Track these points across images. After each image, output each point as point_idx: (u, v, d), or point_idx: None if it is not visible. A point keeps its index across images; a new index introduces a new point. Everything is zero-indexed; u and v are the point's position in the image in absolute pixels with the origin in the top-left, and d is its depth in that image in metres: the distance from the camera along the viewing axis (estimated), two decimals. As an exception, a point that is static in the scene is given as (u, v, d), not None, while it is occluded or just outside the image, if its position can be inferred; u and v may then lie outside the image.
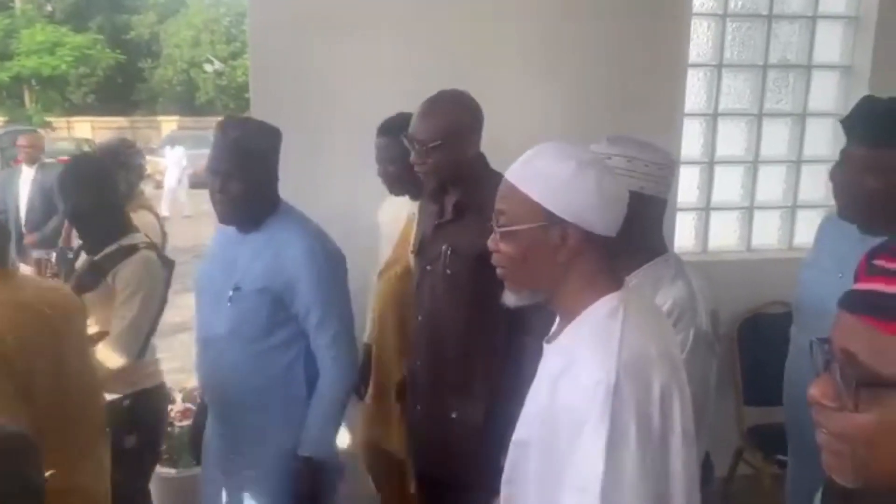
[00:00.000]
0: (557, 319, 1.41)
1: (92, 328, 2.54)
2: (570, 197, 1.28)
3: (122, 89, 33.64)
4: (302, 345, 2.21)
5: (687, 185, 3.57)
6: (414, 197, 2.66)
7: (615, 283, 1.33)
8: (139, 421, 2.68)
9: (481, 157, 2.22)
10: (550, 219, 1.28)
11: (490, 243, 1.38)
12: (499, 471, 1.47)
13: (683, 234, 3.63)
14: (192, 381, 5.52)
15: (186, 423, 3.76)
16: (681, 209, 3.55)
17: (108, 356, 2.54)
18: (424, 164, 2.15)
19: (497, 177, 2.21)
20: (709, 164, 3.57)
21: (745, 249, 3.68)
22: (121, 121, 31.00)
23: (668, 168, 1.88)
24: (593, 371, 1.21)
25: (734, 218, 3.69)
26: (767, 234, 3.72)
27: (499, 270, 1.38)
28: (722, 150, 3.59)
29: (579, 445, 1.20)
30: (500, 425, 2.17)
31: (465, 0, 3.10)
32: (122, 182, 3.28)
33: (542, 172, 1.30)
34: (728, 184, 3.65)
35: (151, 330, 2.71)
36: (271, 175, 2.22)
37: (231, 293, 2.15)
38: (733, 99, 3.57)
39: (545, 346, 1.40)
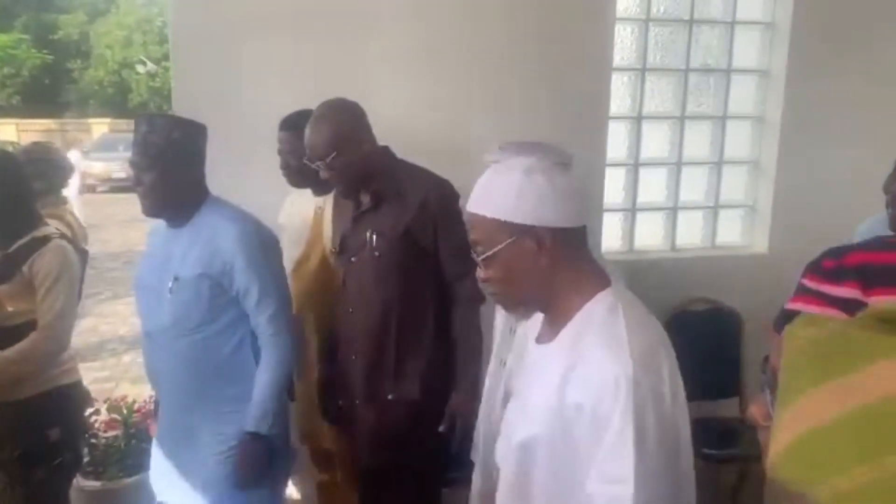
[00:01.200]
0: (543, 319, 1.45)
1: (12, 320, 2.60)
2: (527, 203, 1.34)
3: (49, 90, 32.56)
4: (247, 327, 2.27)
5: (613, 187, 3.64)
6: (316, 192, 2.75)
7: (603, 280, 1.39)
8: (60, 416, 2.69)
9: (385, 150, 2.37)
10: (519, 230, 1.34)
11: (479, 276, 1.43)
12: (438, 449, 1.53)
13: (610, 235, 3.69)
14: (120, 391, 5.40)
15: (112, 433, 3.68)
16: (607, 210, 3.61)
17: (41, 345, 2.59)
18: (330, 175, 2.29)
19: (406, 166, 2.33)
20: (634, 165, 3.64)
21: (669, 249, 3.76)
22: (49, 123, 29.98)
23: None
24: (609, 367, 1.25)
25: (659, 218, 3.77)
26: (691, 233, 3.81)
27: (494, 297, 1.45)
28: (646, 153, 3.66)
29: (605, 438, 1.24)
30: (435, 400, 2.26)
31: (381, 4, 3.11)
32: (41, 183, 3.21)
33: (495, 191, 1.37)
34: (653, 185, 3.73)
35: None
36: (193, 169, 2.27)
37: (171, 284, 2.21)
38: (657, 102, 3.65)
39: (537, 345, 1.45)
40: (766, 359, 0.89)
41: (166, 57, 30.48)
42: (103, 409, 3.83)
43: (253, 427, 2.21)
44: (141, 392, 4.83)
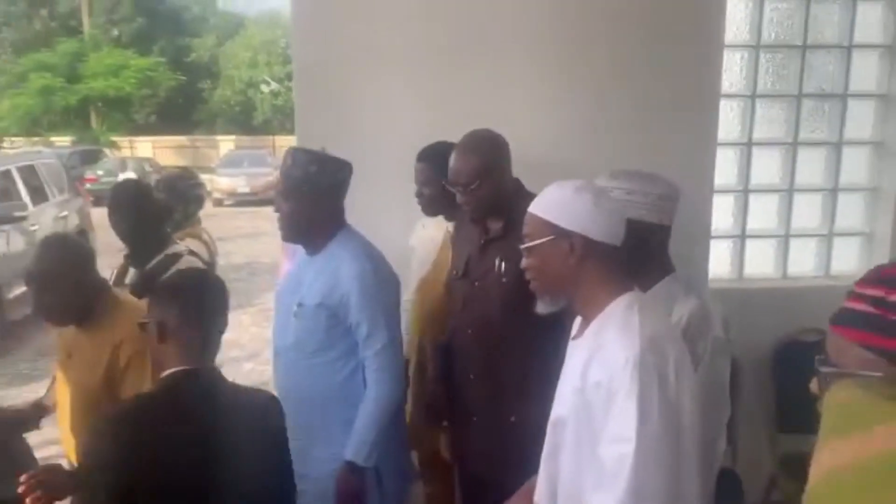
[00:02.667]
0: (580, 320, 1.72)
1: None
2: (571, 212, 1.62)
3: (182, 110, 34.70)
4: (360, 357, 2.40)
5: (721, 213, 3.61)
6: (448, 217, 2.85)
7: (626, 286, 1.64)
8: None
9: (517, 182, 2.44)
10: (558, 231, 1.62)
11: (522, 263, 1.73)
12: None
13: (719, 261, 3.66)
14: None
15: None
16: (715, 237, 3.58)
17: None
18: (469, 203, 2.38)
19: (532, 197, 2.40)
20: (743, 192, 3.60)
21: (781, 277, 3.69)
22: (181, 140, 31.98)
23: (667, 198, 2.07)
24: (620, 350, 1.50)
25: (770, 245, 3.70)
26: (804, 261, 3.72)
27: (531, 283, 1.72)
28: (757, 179, 3.62)
29: (614, 409, 1.49)
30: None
31: (503, 32, 3.20)
32: (180, 212, 3.56)
33: (549, 199, 1.68)
34: (763, 212, 3.67)
35: None
36: (327, 202, 2.42)
37: (296, 308, 2.39)
38: (768, 128, 3.60)
39: (571, 342, 1.73)
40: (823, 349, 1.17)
41: (289, 76, 31.83)
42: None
43: (350, 456, 2.34)
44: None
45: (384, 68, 3.19)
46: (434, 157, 2.74)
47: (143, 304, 2.59)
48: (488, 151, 2.35)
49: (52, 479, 1.92)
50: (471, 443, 2.51)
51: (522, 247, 1.69)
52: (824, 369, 1.18)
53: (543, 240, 1.64)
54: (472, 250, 2.45)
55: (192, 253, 3.20)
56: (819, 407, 1.15)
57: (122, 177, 13.85)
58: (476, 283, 2.42)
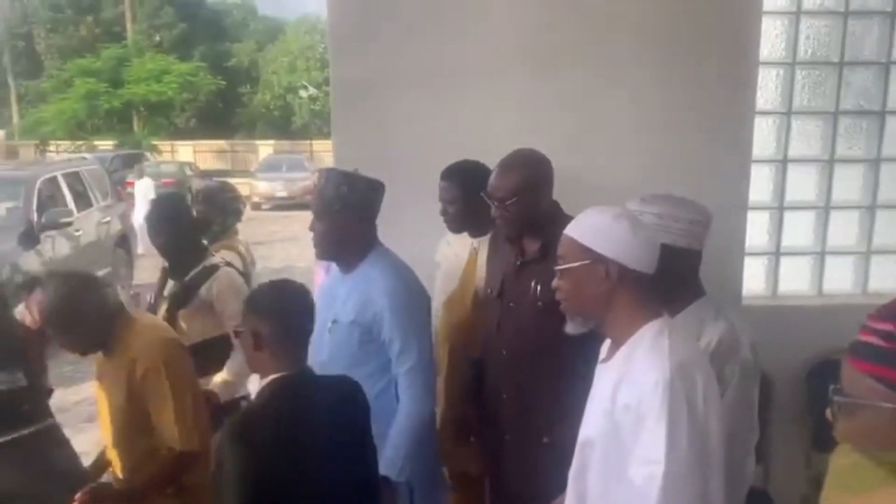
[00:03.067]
0: (608, 344, 1.76)
1: (194, 338, 3.06)
2: (609, 239, 1.65)
3: (222, 114, 35.26)
4: (393, 374, 2.46)
5: (756, 230, 3.59)
6: (473, 234, 2.89)
7: (657, 312, 1.68)
8: None
9: (555, 205, 2.46)
10: (594, 257, 1.66)
11: (553, 283, 1.76)
12: None
13: (753, 279, 3.64)
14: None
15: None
16: (750, 253, 3.57)
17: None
18: (503, 217, 2.39)
19: (570, 221, 2.42)
20: (778, 209, 3.58)
21: (816, 294, 3.66)
22: (221, 144, 32.48)
23: (698, 223, 2.07)
24: (650, 374, 1.54)
25: (805, 263, 3.68)
26: (840, 279, 3.69)
27: (562, 305, 1.76)
28: (792, 196, 3.59)
29: (643, 432, 1.53)
30: None
31: (536, 53, 3.24)
32: (218, 224, 3.66)
33: (588, 223, 1.71)
34: (799, 229, 3.64)
35: None
36: (363, 222, 2.49)
37: (330, 325, 2.46)
38: (804, 145, 3.57)
39: (600, 365, 1.77)
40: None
41: (327, 81, 32.08)
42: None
43: (384, 470, 2.37)
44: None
45: (420, 84, 3.24)
46: (459, 175, 2.79)
47: (155, 320, 2.72)
48: (528, 170, 2.38)
49: (103, 496, 2.04)
50: (503, 461, 2.53)
51: (557, 268, 1.73)
52: (837, 398, 1.25)
53: (578, 263, 1.68)
54: (507, 271, 2.47)
55: (228, 265, 3.29)
56: (835, 433, 1.27)
57: (138, 184, 13.93)
58: (511, 304, 2.44)
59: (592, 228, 1.68)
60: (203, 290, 3.12)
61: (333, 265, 2.67)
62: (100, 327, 2.38)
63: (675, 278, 1.98)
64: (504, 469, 2.55)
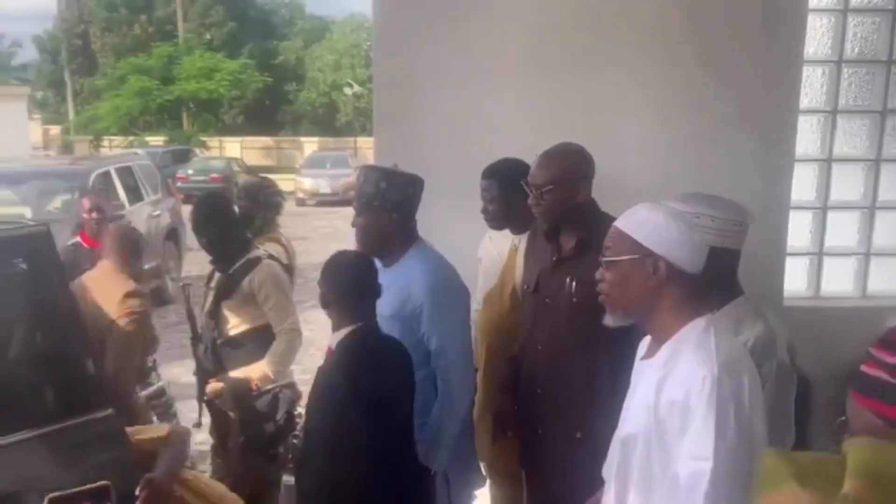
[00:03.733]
0: (649, 340, 1.76)
1: (238, 328, 3.24)
2: (661, 237, 1.65)
3: (269, 111, 35.73)
4: (431, 367, 2.50)
5: (799, 230, 3.55)
6: (514, 231, 2.92)
7: (701, 311, 1.68)
8: (276, 413, 3.19)
9: (593, 202, 2.48)
10: (644, 252, 1.65)
11: (597, 274, 1.76)
12: None
13: (795, 279, 3.60)
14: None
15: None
16: (792, 253, 3.53)
17: (291, 344, 3.22)
18: (539, 206, 2.43)
19: (608, 219, 2.43)
20: (822, 209, 3.54)
21: (860, 296, 3.61)
22: (267, 140, 32.93)
23: (736, 223, 2.06)
24: (698, 370, 1.54)
25: (849, 263, 3.63)
26: (885, 280, 3.63)
27: (602, 296, 1.76)
28: (837, 196, 3.55)
29: (690, 428, 1.53)
30: None
31: (581, 52, 3.26)
32: (260, 219, 3.76)
33: (640, 219, 1.70)
34: (843, 229, 3.60)
35: None
36: (402, 217, 2.53)
37: None
38: (849, 144, 3.53)
39: (640, 362, 1.78)
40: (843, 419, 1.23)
41: (371, 79, 32.23)
42: (303, 411, 4.28)
43: (422, 460, 2.43)
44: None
45: (462, 82, 3.28)
46: (499, 174, 2.83)
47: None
48: (567, 162, 2.42)
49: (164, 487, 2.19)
50: (537, 455, 2.57)
51: (603, 259, 1.73)
52: (840, 430, 1.22)
53: (627, 257, 1.68)
54: (543, 267, 2.50)
55: (270, 257, 3.39)
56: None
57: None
58: (547, 300, 2.47)
59: (645, 224, 1.68)
60: (245, 282, 3.21)
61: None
62: None
63: (711, 278, 1.96)
64: (539, 464, 2.58)
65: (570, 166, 2.41)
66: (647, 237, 1.66)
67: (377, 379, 2.25)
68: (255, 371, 3.17)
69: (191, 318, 3.45)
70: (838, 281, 3.65)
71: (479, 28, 3.26)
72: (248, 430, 3.17)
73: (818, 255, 3.60)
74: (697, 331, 1.63)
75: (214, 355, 3.27)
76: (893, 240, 3.62)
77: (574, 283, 2.37)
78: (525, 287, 2.64)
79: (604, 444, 2.25)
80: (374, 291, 2.36)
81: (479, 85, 3.28)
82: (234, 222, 3.35)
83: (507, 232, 2.98)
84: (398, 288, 2.48)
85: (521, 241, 2.90)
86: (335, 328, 2.37)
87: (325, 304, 2.37)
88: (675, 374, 1.60)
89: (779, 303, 3.38)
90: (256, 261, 3.26)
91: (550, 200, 2.39)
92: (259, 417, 3.16)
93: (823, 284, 3.63)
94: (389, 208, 2.50)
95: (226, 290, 3.26)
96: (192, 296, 3.51)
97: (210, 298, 3.32)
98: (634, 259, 1.67)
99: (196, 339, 3.39)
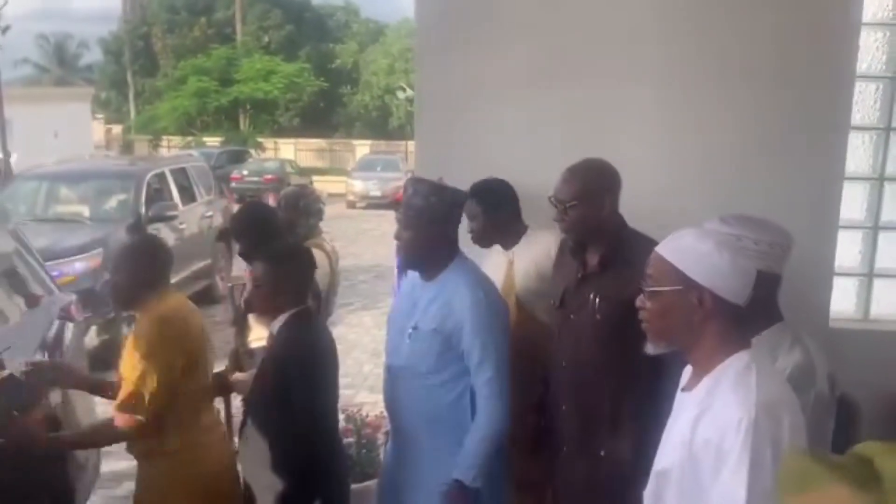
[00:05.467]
0: (690, 370, 1.69)
1: (260, 341, 3.16)
2: (707, 268, 1.57)
3: (323, 114, 36.21)
4: (468, 381, 2.49)
5: (848, 250, 3.46)
6: (505, 246, 3.00)
7: (745, 344, 1.61)
8: None
9: (619, 217, 2.45)
10: (689, 284, 1.58)
11: (638, 301, 1.69)
12: None
13: (844, 300, 3.50)
14: (358, 398, 5.99)
15: (346, 440, 4.15)
16: (841, 274, 3.43)
17: None
18: (563, 221, 2.43)
19: (635, 235, 2.43)
20: (872, 228, 3.44)
21: (912, 319, 3.49)
22: (320, 143, 33.38)
23: (778, 246, 2.01)
24: (735, 410, 1.48)
25: (900, 285, 3.52)
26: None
27: (643, 324, 1.69)
28: (889, 215, 3.44)
29: (724, 471, 1.47)
30: (645, 462, 2.32)
31: (615, 67, 3.24)
32: (302, 226, 3.82)
33: (686, 247, 1.61)
34: (894, 250, 3.49)
35: None
36: (443, 231, 2.53)
37: (410, 331, 2.52)
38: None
39: (681, 393, 1.70)
40: None
41: (424, 83, 32.44)
42: (341, 417, 4.33)
43: (458, 475, 2.42)
44: (378, 400, 5.33)
45: (502, 92, 3.29)
46: (481, 193, 2.91)
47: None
48: (592, 177, 2.41)
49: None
50: (561, 473, 2.55)
51: (646, 289, 1.67)
52: None
53: (671, 288, 1.60)
54: (569, 282, 2.49)
55: None
56: None
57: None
58: (571, 316, 2.46)
59: (690, 253, 1.60)
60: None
61: (412, 273, 2.73)
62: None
63: (752, 304, 1.93)
64: (562, 481, 2.56)
65: (594, 182, 2.40)
66: (692, 267, 1.58)
67: (315, 358, 2.50)
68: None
69: (236, 319, 3.49)
70: (888, 303, 3.53)
71: (522, 38, 3.26)
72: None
73: (868, 276, 3.49)
74: (739, 367, 1.56)
75: (235, 363, 3.31)
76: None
77: (598, 300, 2.35)
78: (552, 302, 2.63)
79: (628, 464, 2.26)
80: (309, 280, 2.68)
81: (519, 94, 3.28)
82: (273, 232, 3.37)
83: (499, 249, 3.04)
84: (440, 302, 2.49)
85: (514, 254, 2.98)
86: (275, 315, 2.57)
87: (260, 292, 2.60)
88: (712, 413, 1.54)
89: (825, 324, 3.29)
90: None
91: (575, 216, 2.39)
92: None
93: (873, 306, 3.52)
94: (437, 222, 2.50)
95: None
96: (238, 297, 3.54)
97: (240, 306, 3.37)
98: (678, 290, 1.59)
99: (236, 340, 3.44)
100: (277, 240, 3.38)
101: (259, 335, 3.26)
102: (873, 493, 0.93)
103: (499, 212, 2.92)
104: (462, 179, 2.73)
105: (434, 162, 3.28)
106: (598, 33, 3.23)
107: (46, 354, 3.37)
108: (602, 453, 2.36)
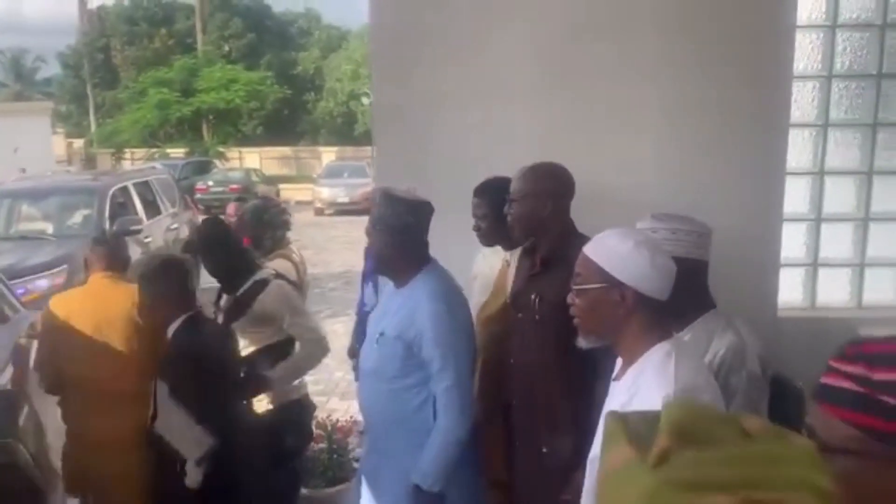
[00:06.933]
0: (620, 362, 1.81)
1: (246, 349, 3.29)
2: (628, 266, 1.69)
3: (287, 121, 35.99)
4: (432, 388, 2.56)
5: (794, 242, 3.61)
6: (506, 247, 3.01)
7: (666, 334, 1.73)
8: (293, 426, 3.36)
9: (567, 221, 2.56)
10: (612, 282, 1.70)
11: (568, 298, 1.81)
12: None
13: (791, 290, 3.65)
14: (330, 405, 6.04)
15: (318, 446, 4.21)
16: (787, 265, 3.58)
17: (307, 351, 3.32)
18: (509, 214, 2.58)
19: (582, 240, 2.51)
20: (816, 220, 3.59)
21: (856, 306, 3.65)
22: (286, 151, 33.18)
23: (695, 234, 2.18)
24: (655, 397, 1.53)
25: (844, 274, 3.67)
26: (880, 290, 3.67)
27: (574, 320, 1.81)
28: (831, 207, 3.60)
29: None
30: (584, 459, 2.41)
31: (578, 72, 3.34)
32: (269, 238, 3.87)
33: (609, 247, 1.74)
34: (837, 240, 3.65)
35: None
36: (414, 242, 2.60)
37: (377, 336, 2.60)
38: (841, 157, 3.58)
39: (613, 383, 1.81)
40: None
41: (388, 88, 32.39)
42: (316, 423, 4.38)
43: (416, 479, 2.50)
44: (350, 407, 5.37)
45: (455, 104, 3.38)
46: (489, 192, 2.94)
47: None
48: (540, 177, 2.52)
49: None
50: (513, 467, 2.66)
51: (573, 287, 1.78)
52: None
53: (595, 286, 1.72)
54: (520, 282, 2.61)
55: (278, 276, 3.47)
56: None
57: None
58: (519, 315, 2.56)
59: (613, 253, 1.71)
60: (256, 305, 3.27)
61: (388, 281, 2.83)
62: None
63: (688, 290, 2.04)
64: (513, 477, 2.66)
65: (543, 181, 2.52)
66: (614, 266, 1.70)
67: (208, 350, 2.96)
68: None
69: None
70: (833, 292, 3.69)
71: (472, 51, 3.35)
72: (269, 445, 3.26)
73: (813, 266, 3.64)
74: (659, 355, 1.68)
75: None
76: (887, 250, 3.66)
77: (538, 300, 2.45)
78: (506, 300, 2.74)
79: (568, 461, 2.32)
80: (192, 287, 3.07)
81: (473, 104, 3.37)
82: (236, 246, 3.43)
83: (499, 249, 3.07)
84: (406, 310, 2.55)
85: (513, 256, 2.96)
86: (170, 320, 2.98)
87: (156, 303, 2.98)
88: (638, 398, 1.65)
89: (773, 314, 3.43)
90: (264, 283, 3.31)
91: (518, 211, 2.52)
92: (278, 431, 3.28)
93: (819, 296, 3.67)
94: (402, 231, 2.57)
95: (235, 313, 3.32)
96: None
97: (220, 319, 3.38)
98: (602, 287, 1.71)
99: None
100: (241, 254, 3.42)
101: (244, 345, 3.32)
102: (644, 450, 0.98)
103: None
104: (424, 188, 2.78)
105: (394, 170, 3.37)
106: (548, 39, 3.33)
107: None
108: (544, 450, 2.45)
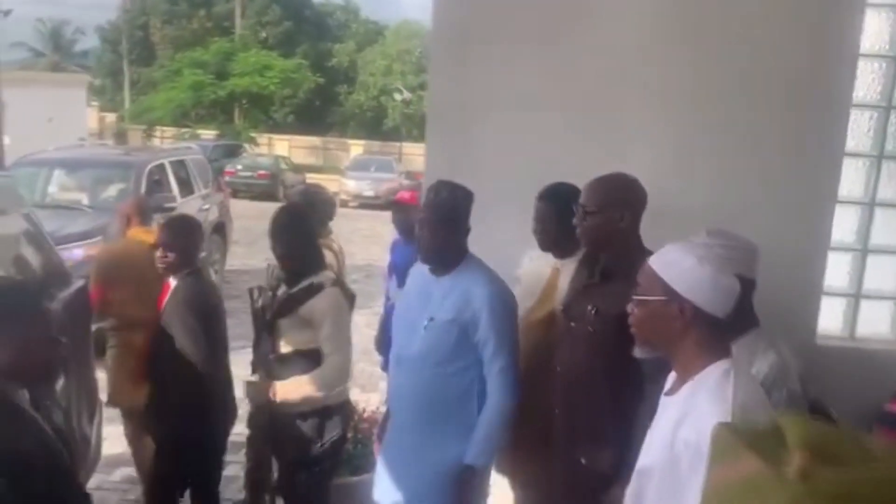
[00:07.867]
0: (674, 376, 1.80)
1: (284, 348, 3.20)
2: (689, 280, 1.69)
3: (318, 111, 36.16)
4: (478, 371, 2.67)
5: (837, 271, 3.59)
6: (558, 255, 2.99)
7: (725, 352, 1.71)
8: (328, 431, 3.24)
9: (635, 234, 2.53)
10: (672, 295, 1.70)
11: (628, 307, 1.81)
12: None
13: (832, 319, 3.63)
14: (350, 396, 6.05)
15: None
16: (829, 294, 3.56)
17: (329, 376, 3.13)
18: (580, 227, 2.54)
19: (648, 254, 2.51)
20: (862, 251, 3.57)
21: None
22: (314, 140, 33.35)
23: (743, 250, 2.16)
24: (713, 415, 1.54)
25: (887, 308, 3.65)
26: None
27: (632, 329, 1.82)
28: (878, 239, 3.58)
29: (701, 469, 1.50)
30: (625, 474, 2.40)
31: (632, 87, 3.34)
32: (316, 222, 3.87)
33: (672, 260, 1.75)
34: (882, 273, 3.62)
35: None
36: (463, 230, 2.73)
37: (426, 322, 2.67)
38: (894, 189, 3.56)
39: (664, 397, 1.80)
40: None
41: (421, 86, 32.54)
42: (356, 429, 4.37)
43: (471, 460, 2.57)
44: (369, 399, 5.40)
45: (511, 105, 3.39)
46: (554, 197, 2.91)
47: None
48: (616, 189, 2.50)
49: None
50: (548, 474, 2.67)
51: (634, 297, 1.79)
52: None
53: (655, 298, 1.73)
54: (576, 290, 2.61)
55: (335, 283, 3.28)
56: None
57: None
58: (571, 324, 2.56)
59: (675, 266, 1.72)
60: (304, 307, 3.14)
61: (415, 273, 2.89)
62: None
63: (741, 307, 2.05)
64: (548, 481, 2.67)
65: (617, 193, 2.49)
66: (676, 280, 1.70)
67: (209, 302, 3.54)
68: (299, 387, 3.14)
69: (255, 321, 3.34)
70: (874, 324, 3.66)
71: (534, 54, 3.36)
72: (298, 449, 3.22)
73: (856, 296, 3.62)
74: (718, 374, 1.67)
75: (265, 367, 3.25)
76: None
77: (594, 312, 2.44)
78: (553, 309, 2.76)
79: (604, 475, 2.33)
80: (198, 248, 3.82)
81: (529, 108, 3.38)
82: (311, 240, 3.31)
83: (549, 255, 3.04)
84: (457, 295, 2.64)
85: (565, 264, 2.94)
86: (175, 273, 3.54)
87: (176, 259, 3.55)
88: (693, 416, 1.64)
89: (812, 341, 3.42)
90: (320, 287, 3.16)
91: (591, 223, 2.48)
92: (309, 436, 3.20)
93: (859, 326, 3.65)
94: (459, 221, 2.69)
95: (285, 309, 3.19)
96: (257, 299, 3.36)
97: (271, 311, 3.24)
98: (662, 300, 1.71)
99: (258, 343, 3.33)
100: (315, 249, 3.34)
101: (283, 343, 3.20)
102: (777, 463, 1.00)
103: (570, 217, 2.72)
104: (471, 188, 2.79)
105: (443, 170, 3.38)
106: (608, 54, 3.33)
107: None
108: (583, 461, 2.45)
